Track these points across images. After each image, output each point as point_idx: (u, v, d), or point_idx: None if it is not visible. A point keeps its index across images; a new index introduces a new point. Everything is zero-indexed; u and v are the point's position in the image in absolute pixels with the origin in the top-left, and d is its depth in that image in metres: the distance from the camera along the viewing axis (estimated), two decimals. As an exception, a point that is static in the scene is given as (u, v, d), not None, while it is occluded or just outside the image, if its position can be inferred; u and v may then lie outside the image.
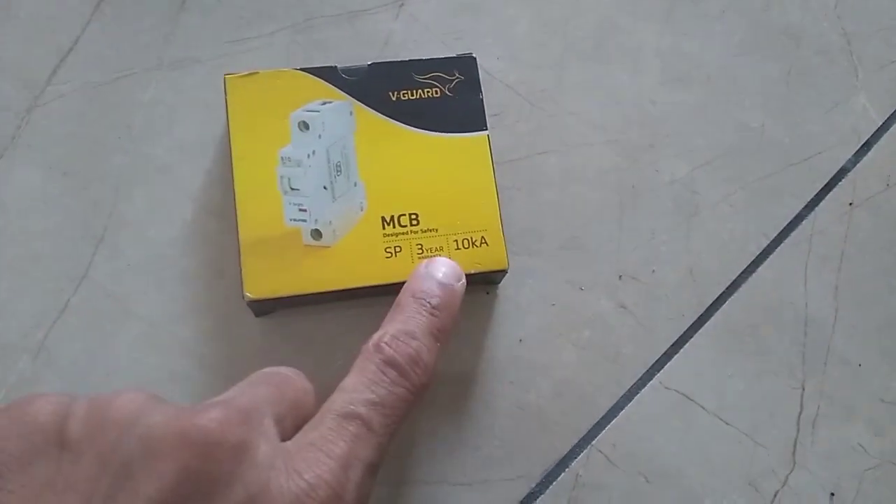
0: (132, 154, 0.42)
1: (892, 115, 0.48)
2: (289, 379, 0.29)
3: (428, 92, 0.41)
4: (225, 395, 0.27)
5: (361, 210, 0.39)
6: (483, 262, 0.39)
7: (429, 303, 0.32)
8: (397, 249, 0.38)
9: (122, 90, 0.43)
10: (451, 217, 0.39)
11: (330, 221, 0.38)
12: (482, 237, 0.39)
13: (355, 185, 0.39)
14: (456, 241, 0.39)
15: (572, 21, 0.48)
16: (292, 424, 0.27)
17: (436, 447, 0.40)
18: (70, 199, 0.41)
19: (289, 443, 0.26)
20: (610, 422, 0.42)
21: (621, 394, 0.42)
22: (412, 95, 0.40)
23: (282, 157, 0.38)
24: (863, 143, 0.48)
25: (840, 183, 0.47)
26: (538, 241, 0.44)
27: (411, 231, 0.38)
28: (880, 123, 0.48)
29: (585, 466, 0.41)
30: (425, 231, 0.39)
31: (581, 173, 0.45)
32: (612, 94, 0.47)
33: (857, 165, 0.47)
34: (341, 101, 0.40)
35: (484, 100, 0.41)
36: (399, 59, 0.41)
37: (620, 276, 0.44)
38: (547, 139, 0.46)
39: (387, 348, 0.30)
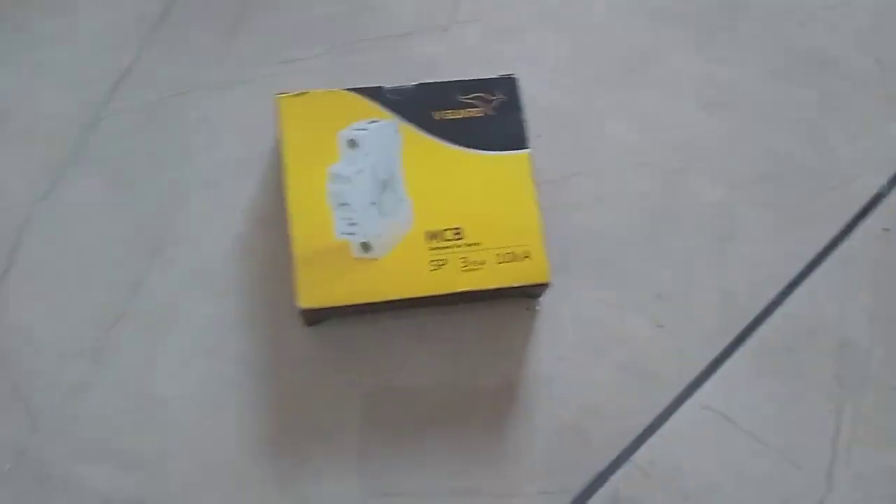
0: (187, 168, 0.44)
1: (925, 142, 0.49)
2: None
3: (471, 111, 0.42)
4: None
5: (408, 224, 0.40)
6: (526, 275, 0.40)
7: None
8: (442, 262, 0.39)
9: (178, 107, 0.45)
10: (494, 232, 0.40)
11: (378, 235, 0.39)
12: (525, 251, 0.40)
13: (402, 200, 0.40)
14: (499, 254, 0.40)
15: (610, 47, 0.49)
16: None
17: (476, 459, 0.41)
18: (128, 210, 0.43)
19: None
20: (647, 439, 0.42)
21: (659, 412, 0.43)
22: (456, 115, 0.42)
23: (332, 174, 0.40)
24: (897, 169, 0.49)
25: (875, 208, 0.48)
26: (577, 260, 0.45)
27: (455, 245, 0.40)
28: (914, 150, 0.49)
29: (624, 482, 0.41)
30: (469, 245, 0.40)
31: (618, 195, 0.46)
32: (649, 118, 0.48)
33: (892, 191, 0.48)
34: (388, 121, 0.41)
35: (525, 119, 0.42)
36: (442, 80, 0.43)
37: (658, 296, 0.45)
38: (585, 161, 0.47)
39: None
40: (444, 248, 0.40)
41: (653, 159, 0.47)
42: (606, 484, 0.41)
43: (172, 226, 0.43)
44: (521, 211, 0.41)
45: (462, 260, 0.39)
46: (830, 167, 0.48)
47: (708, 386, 0.43)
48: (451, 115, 0.42)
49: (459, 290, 0.39)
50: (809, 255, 0.47)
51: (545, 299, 0.44)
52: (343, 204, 0.39)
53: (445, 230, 0.40)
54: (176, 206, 0.43)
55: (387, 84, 0.42)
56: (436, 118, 0.42)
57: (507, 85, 0.43)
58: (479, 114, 0.42)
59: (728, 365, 0.44)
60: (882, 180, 0.48)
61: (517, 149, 0.42)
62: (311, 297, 0.38)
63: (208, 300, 0.42)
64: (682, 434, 0.42)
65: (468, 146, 0.41)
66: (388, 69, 0.47)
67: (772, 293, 0.46)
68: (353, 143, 0.40)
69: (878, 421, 0.44)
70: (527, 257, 0.40)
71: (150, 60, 0.45)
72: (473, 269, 0.39)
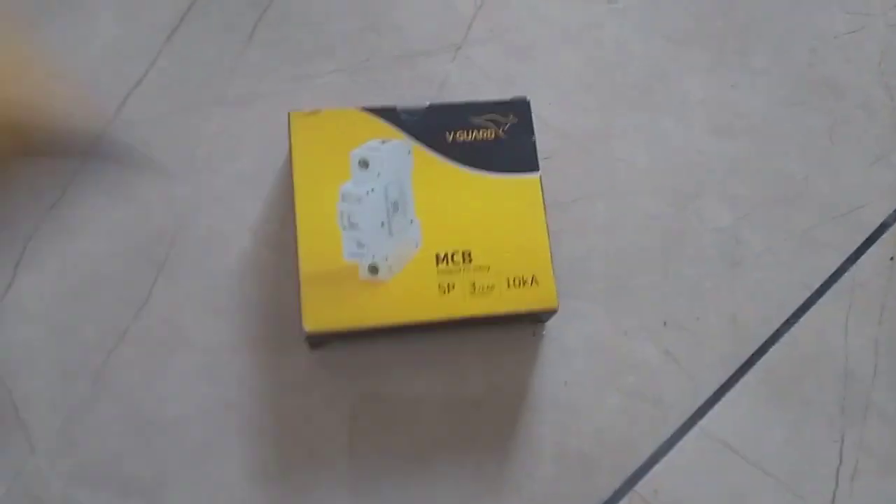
0: (194, 184, 0.43)
1: (934, 172, 0.49)
2: None
3: (483, 133, 0.42)
4: None
5: (417, 247, 0.39)
6: (535, 301, 0.40)
7: None
8: (451, 286, 0.39)
9: (188, 122, 0.44)
10: (504, 256, 0.40)
11: (386, 257, 0.39)
12: (533, 276, 0.40)
13: (411, 222, 0.40)
14: (507, 279, 0.39)
15: (622, 69, 0.49)
16: None
17: (479, 485, 0.41)
18: (133, 225, 0.42)
19: None
20: (652, 467, 0.42)
21: (663, 440, 0.43)
22: (468, 136, 0.42)
23: (342, 194, 0.39)
24: (905, 198, 0.49)
25: (881, 237, 0.48)
26: (585, 284, 0.44)
27: (464, 268, 0.39)
28: (922, 180, 0.49)
29: (627, 511, 0.41)
30: (478, 268, 0.39)
31: (628, 219, 0.46)
32: (660, 141, 0.48)
33: (899, 220, 0.48)
34: (400, 141, 0.41)
35: (536, 142, 0.42)
36: (455, 101, 0.42)
37: (665, 323, 0.44)
38: (595, 184, 0.46)
39: None
40: (452, 271, 0.39)
41: (664, 183, 0.47)
42: (610, 513, 0.41)
43: (179, 243, 0.42)
44: (531, 235, 0.41)
45: (471, 284, 0.39)
46: (839, 194, 0.48)
47: (713, 414, 0.43)
48: (463, 136, 0.42)
49: (468, 315, 0.39)
50: (816, 283, 0.47)
51: (553, 324, 0.43)
52: (352, 224, 0.39)
53: (454, 253, 0.39)
54: (183, 221, 0.43)
55: (400, 102, 0.41)
56: (448, 139, 0.41)
57: (519, 107, 0.43)
58: (490, 136, 0.42)
59: (733, 393, 0.44)
60: (889, 208, 0.48)
61: (528, 171, 0.42)
62: (316, 320, 0.38)
63: (212, 319, 0.41)
64: (687, 463, 0.42)
65: (479, 168, 0.41)
66: (402, 87, 0.46)
67: (778, 320, 0.46)
68: (364, 163, 0.40)
69: (881, 450, 0.44)
70: (535, 283, 0.40)
71: (163, 72, 0.45)
72: (482, 294, 0.39)
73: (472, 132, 0.42)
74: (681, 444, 0.43)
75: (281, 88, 0.45)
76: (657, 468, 0.42)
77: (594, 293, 0.45)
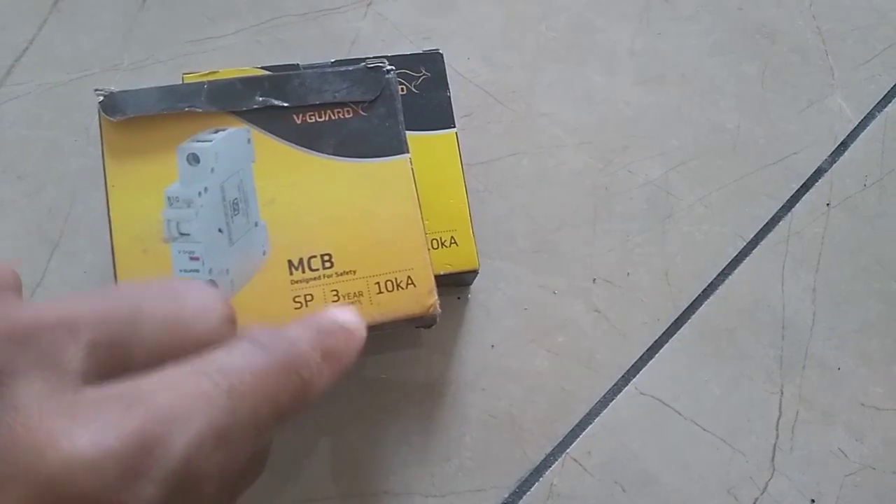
0: (90, 157, 0.41)
1: (868, 114, 0.48)
2: (170, 293, 0.20)
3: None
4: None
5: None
6: (453, 262, 0.38)
7: (316, 326, 0.23)
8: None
9: (80, 91, 0.42)
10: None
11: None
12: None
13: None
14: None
15: (545, 21, 0.47)
16: (150, 359, 0.18)
17: (405, 458, 0.39)
18: (25, 203, 0.40)
19: (94, 388, 0.17)
20: (584, 429, 0.41)
21: (596, 400, 0.41)
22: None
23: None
24: (839, 142, 0.47)
25: (817, 183, 0.46)
26: (510, 244, 0.43)
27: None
28: (857, 123, 0.48)
29: (560, 475, 0.40)
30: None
31: (554, 175, 0.44)
32: (586, 94, 0.46)
33: (834, 165, 0.47)
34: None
35: (452, 97, 0.40)
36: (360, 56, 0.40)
37: (594, 280, 0.43)
38: (519, 141, 0.45)
39: (261, 335, 0.21)
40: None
41: (591, 137, 0.45)
42: (541, 479, 0.39)
43: (75, 218, 0.40)
44: (449, 193, 0.38)
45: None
46: (772, 141, 0.47)
47: (647, 371, 0.42)
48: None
49: None
50: (751, 233, 0.45)
51: (477, 286, 0.42)
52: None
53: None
54: (78, 197, 0.40)
55: (307, 62, 0.39)
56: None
57: (431, 61, 0.40)
58: (402, 92, 0.39)
59: (667, 349, 0.42)
60: (824, 154, 0.47)
61: (444, 128, 0.39)
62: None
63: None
64: (621, 423, 0.41)
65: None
66: (309, 47, 0.44)
67: (712, 273, 0.44)
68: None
69: (821, 400, 0.43)
70: (454, 243, 0.38)
71: (50, 39, 0.42)
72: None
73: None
74: (614, 403, 0.41)
75: (180, 52, 0.43)
76: (590, 429, 0.41)
77: (520, 253, 0.43)
